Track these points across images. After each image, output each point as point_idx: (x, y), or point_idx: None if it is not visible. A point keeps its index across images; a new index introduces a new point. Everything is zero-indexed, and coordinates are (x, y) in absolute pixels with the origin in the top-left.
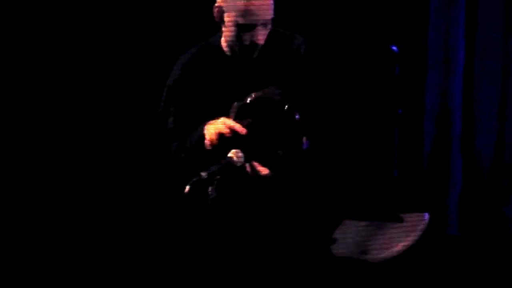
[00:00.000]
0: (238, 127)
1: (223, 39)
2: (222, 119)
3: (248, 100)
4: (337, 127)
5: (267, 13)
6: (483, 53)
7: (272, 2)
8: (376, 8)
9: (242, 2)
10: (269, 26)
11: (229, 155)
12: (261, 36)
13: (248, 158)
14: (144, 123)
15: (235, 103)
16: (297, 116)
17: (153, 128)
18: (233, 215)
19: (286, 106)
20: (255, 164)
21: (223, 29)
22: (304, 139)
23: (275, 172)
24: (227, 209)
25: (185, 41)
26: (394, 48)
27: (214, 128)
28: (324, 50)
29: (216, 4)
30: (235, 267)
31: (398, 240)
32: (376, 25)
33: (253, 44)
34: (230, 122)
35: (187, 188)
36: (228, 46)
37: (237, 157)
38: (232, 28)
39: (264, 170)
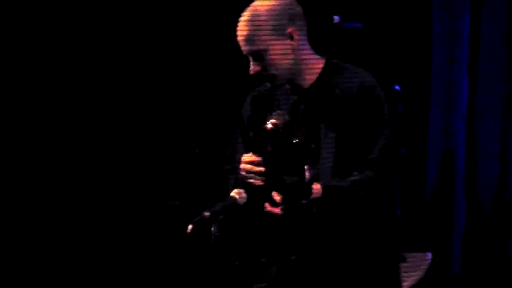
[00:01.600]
0: (256, 159)
1: None
2: (244, 157)
3: (265, 127)
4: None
5: (249, 43)
6: (486, 89)
7: (261, 34)
8: (378, 47)
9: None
10: (270, 57)
11: (232, 194)
12: (254, 66)
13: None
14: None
15: (252, 132)
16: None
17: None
18: (236, 253)
19: (296, 140)
20: (274, 194)
21: None
22: (306, 168)
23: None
24: (230, 248)
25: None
26: (397, 87)
27: (242, 168)
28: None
29: None
30: None
31: (402, 279)
32: (378, 64)
33: (269, 76)
34: (250, 158)
35: (190, 227)
36: None
37: (240, 196)
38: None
39: (276, 211)
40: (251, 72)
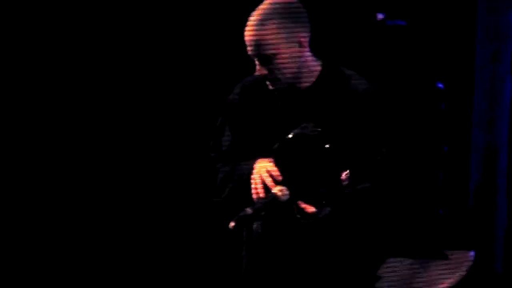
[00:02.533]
0: (275, 173)
1: None
2: (262, 166)
3: (288, 137)
4: (385, 166)
5: (258, 48)
6: None
7: (271, 39)
8: (421, 45)
9: (245, 32)
10: (276, 62)
11: (274, 190)
12: (260, 69)
13: (291, 197)
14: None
15: (276, 145)
16: (339, 153)
17: (207, 140)
18: (278, 251)
19: (327, 145)
20: (300, 203)
21: None
22: (344, 174)
23: (320, 210)
24: (272, 245)
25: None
26: (440, 85)
27: (257, 177)
28: (383, 91)
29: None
30: None
31: (443, 278)
32: (422, 62)
33: (274, 79)
34: (269, 168)
35: (232, 223)
36: None
37: (282, 193)
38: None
39: (310, 208)
40: (258, 74)
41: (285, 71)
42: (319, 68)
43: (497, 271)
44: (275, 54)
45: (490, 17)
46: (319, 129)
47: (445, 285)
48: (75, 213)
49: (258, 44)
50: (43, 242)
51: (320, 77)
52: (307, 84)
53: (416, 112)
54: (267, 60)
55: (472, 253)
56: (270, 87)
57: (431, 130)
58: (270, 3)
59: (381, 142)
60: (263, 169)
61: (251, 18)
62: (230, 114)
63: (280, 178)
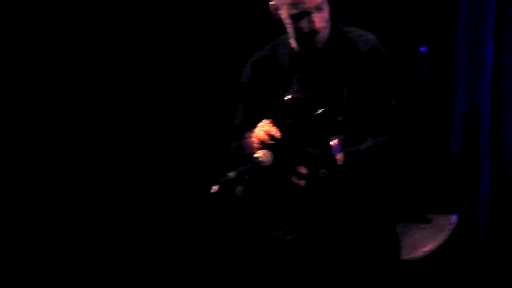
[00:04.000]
0: (274, 131)
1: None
2: (260, 125)
3: (284, 99)
4: (398, 120)
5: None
6: None
7: None
8: (403, 8)
9: None
10: (325, 9)
11: (257, 155)
12: (318, 20)
13: (284, 157)
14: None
15: (273, 103)
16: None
17: (225, 123)
18: (260, 215)
19: (321, 110)
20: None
21: (285, 24)
22: (334, 139)
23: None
24: (254, 209)
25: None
26: (422, 49)
27: (255, 136)
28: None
29: (270, 3)
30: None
31: (427, 240)
32: (404, 26)
33: (313, 31)
34: (267, 128)
35: (215, 187)
36: (293, 39)
37: (266, 157)
38: (289, 21)
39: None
40: (318, 27)
41: (327, 22)
42: (329, 27)
43: (480, 234)
44: (325, 1)
45: None
46: (310, 94)
47: (428, 248)
48: (74, 213)
49: (302, 1)
50: (41, 241)
51: (330, 38)
52: (321, 44)
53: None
54: (320, 8)
55: (454, 217)
56: (302, 45)
57: (413, 94)
58: None
59: (392, 96)
60: (261, 128)
61: None
62: (242, 92)
63: (278, 134)
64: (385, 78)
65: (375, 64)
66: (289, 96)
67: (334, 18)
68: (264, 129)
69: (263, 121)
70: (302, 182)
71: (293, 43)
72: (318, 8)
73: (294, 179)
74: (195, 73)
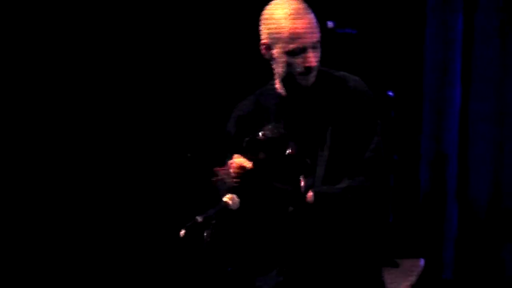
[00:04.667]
0: (246, 163)
1: (276, 78)
2: (233, 158)
3: (258, 135)
4: (377, 167)
5: (314, 32)
6: (479, 95)
7: (316, 22)
8: (371, 53)
9: (286, 28)
10: (319, 49)
11: (225, 199)
12: (313, 58)
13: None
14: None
15: (246, 139)
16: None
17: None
18: (229, 259)
19: (289, 150)
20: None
21: (274, 65)
22: (302, 178)
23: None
24: (222, 254)
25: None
26: (390, 93)
27: (228, 168)
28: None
29: (262, 42)
30: None
31: (395, 285)
32: (371, 69)
33: (307, 68)
34: (239, 161)
35: (182, 232)
36: (282, 81)
37: (233, 201)
38: (283, 59)
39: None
40: (314, 65)
41: (316, 64)
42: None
43: (447, 278)
44: (320, 41)
45: (439, 25)
46: (284, 132)
47: None
48: (73, 212)
49: (314, 29)
50: (39, 240)
51: (318, 76)
52: (310, 84)
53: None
54: (316, 47)
55: (422, 261)
56: (303, 82)
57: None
58: None
59: (373, 136)
60: (234, 160)
61: (286, 12)
62: (229, 146)
63: (249, 165)
64: (369, 118)
65: (361, 103)
66: (262, 133)
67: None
68: (236, 161)
69: (236, 155)
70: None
71: (279, 87)
72: (315, 47)
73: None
74: (195, 75)
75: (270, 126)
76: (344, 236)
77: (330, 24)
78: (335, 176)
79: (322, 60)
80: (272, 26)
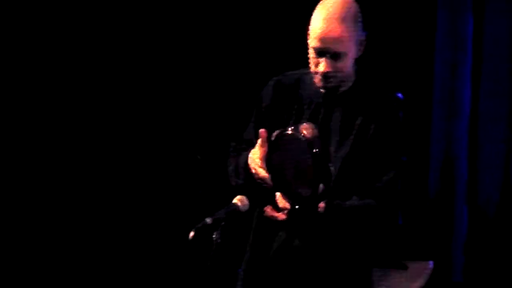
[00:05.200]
0: (261, 172)
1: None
2: (253, 157)
3: (287, 131)
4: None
5: (337, 42)
6: (489, 95)
7: (348, 32)
8: (380, 54)
9: (316, 26)
10: (343, 60)
11: (234, 201)
12: (328, 66)
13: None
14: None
15: (276, 132)
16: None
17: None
18: (237, 260)
19: (316, 150)
20: (270, 210)
21: (309, 56)
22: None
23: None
24: (231, 255)
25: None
26: (399, 95)
27: (252, 164)
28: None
29: (309, 28)
30: None
31: (403, 287)
32: (380, 71)
33: (319, 72)
34: (257, 164)
35: (192, 233)
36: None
37: (243, 203)
38: (311, 52)
39: (280, 216)
40: (322, 72)
41: (345, 70)
42: (354, 74)
43: (456, 281)
44: (346, 53)
45: (450, 26)
46: (317, 134)
47: None
48: (78, 214)
49: (336, 41)
50: (38, 240)
51: (356, 84)
52: (345, 88)
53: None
54: (336, 57)
55: (431, 263)
56: (320, 84)
57: (389, 140)
58: (344, 3)
59: (392, 163)
60: (251, 159)
61: (324, 14)
62: (260, 113)
63: (266, 176)
64: (393, 142)
65: (389, 124)
66: (303, 131)
67: (363, 68)
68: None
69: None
70: (278, 216)
71: (316, 79)
72: (335, 56)
73: (269, 211)
74: (194, 76)
75: (305, 125)
76: (338, 243)
77: None
78: (344, 188)
79: None
80: (313, 18)
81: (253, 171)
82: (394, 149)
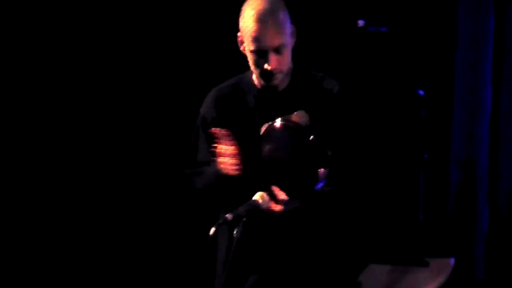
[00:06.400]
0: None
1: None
2: (224, 160)
3: (277, 122)
4: (364, 170)
5: (275, 36)
6: (511, 91)
7: (281, 25)
8: (402, 51)
9: (249, 29)
10: (285, 53)
11: (255, 197)
12: (274, 61)
13: (268, 183)
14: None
15: (266, 124)
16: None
17: (182, 155)
18: (258, 256)
19: (312, 136)
20: (274, 188)
21: (248, 59)
22: (321, 171)
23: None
24: (252, 251)
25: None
26: (421, 92)
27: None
28: (355, 93)
29: (238, 34)
30: None
31: (423, 284)
32: (403, 69)
33: (265, 71)
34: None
35: (213, 230)
36: (255, 76)
37: (263, 199)
38: (250, 56)
39: (281, 195)
40: (271, 68)
41: (285, 65)
42: (291, 67)
43: (478, 278)
44: (286, 45)
45: (471, 25)
46: (308, 117)
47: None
48: (70, 212)
49: (275, 35)
50: (37, 240)
51: (294, 77)
52: (284, 84)
53: (397, 119)
54: (279, 50)
55: (452, 260)
56: (264, 83)
57: (411, 137)
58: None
59: (353, 142)
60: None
61: (255, 14)
62: (206, 128)
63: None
64: (346, 122)
65: (337, 108)
66: (281, 120)
67: (301, 62)
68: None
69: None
70: (277, 208)
71: (255, 79)
72: (277, 50)
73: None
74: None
75: (296, 113)
76: (326, 236)
77: (360, 22)
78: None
79: (352, 57)
80: (242, 23)
81: (232, 172)
82: (350, 128)
